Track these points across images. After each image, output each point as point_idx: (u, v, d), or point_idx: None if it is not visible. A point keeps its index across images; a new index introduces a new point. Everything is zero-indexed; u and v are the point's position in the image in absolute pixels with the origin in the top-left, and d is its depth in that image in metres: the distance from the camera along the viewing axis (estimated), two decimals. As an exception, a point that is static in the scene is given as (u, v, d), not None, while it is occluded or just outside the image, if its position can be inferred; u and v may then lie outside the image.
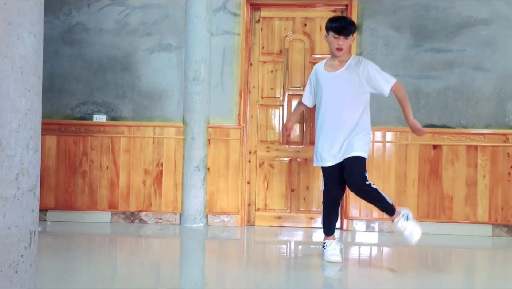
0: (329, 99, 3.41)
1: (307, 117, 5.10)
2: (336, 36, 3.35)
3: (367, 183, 3.27)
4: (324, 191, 3.53)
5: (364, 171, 3.31)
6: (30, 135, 1.72)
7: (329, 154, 3.38)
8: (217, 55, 5.06)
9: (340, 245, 3.62)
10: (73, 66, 5.15)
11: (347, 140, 3.34)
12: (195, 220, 4.95)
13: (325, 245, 3.56)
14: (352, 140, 3.32)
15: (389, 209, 3.36)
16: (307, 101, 3.65)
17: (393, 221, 3.37)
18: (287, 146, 5.14)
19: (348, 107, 3.37)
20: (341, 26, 3.35)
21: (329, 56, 3.54)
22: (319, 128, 3.47)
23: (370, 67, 3.36)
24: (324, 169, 3.47)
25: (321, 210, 3.72)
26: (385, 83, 3.35)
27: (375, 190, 3.29)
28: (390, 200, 3.36)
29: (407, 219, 3.34)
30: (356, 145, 3.31)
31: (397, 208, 3.37)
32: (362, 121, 3.39)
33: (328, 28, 3.42)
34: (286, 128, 3.76)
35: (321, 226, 3.70)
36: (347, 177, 3.31)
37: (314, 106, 3.63)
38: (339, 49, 3.36)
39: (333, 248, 3.51)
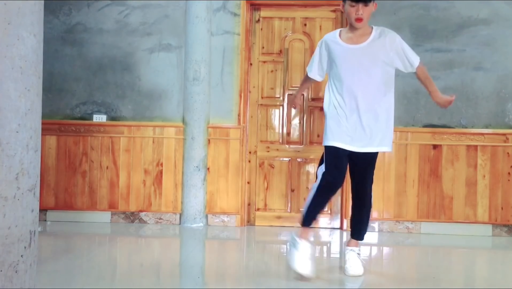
0: (352, 77, 2.95)
1: (307, 116, 5.09)
2: (354, 4, 2.87)
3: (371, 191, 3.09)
4: (325, 175, 2.98)
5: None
6: (30, 135, 1.71)
7: (349, 137, 2.95)
8: (217, 55, 5.06)
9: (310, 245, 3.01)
10: (73, 66, 5.15)
11: (374, 127, 2.96)
12: (195, 220, 4.95)
13: (295, 244, 2.96)
14: (382, 130, 2.98)
15: (363, 233, 3.17)
16: (317, 76, 3.17)
17: (353, 246, 3.15)
18: (287, 145, 5.14)
19: (376, 87, 2.95)
20: None
21: (345, 28, 3.10)
22: (338, 106, 2.99)
23: (399, 39, 2.99)
24: (335, 150, 2.98)
25: (310, 196, 3.06)
26: (415, 56, 3.02)
27: (370, 206, 3.14)
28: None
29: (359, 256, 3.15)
30: (385, 137, 2.99)
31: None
32: (391, 105, 3.04)
33: None
34: (294, 103, 3.38)
35: (304, 214, 3.04)
36: (358, 175, 3.03)
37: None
38: (359, 19, 2.88)
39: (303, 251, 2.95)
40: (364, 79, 2.94)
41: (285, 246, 4.51)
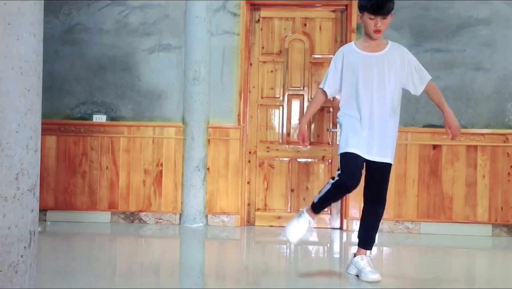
0: (370, 83, 2.95)
1: (307, 117, 5.08)
2: (373, 17, 2.92)
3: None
4: (341, 175, 2.94)
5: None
6: (30, 135, 1.71)
7: (366, 144, 2.94)
8: (217, 55, 5.06)
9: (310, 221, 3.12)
10: (73, 66, 5.15)
11: (386, 138, 2.98)
12: (195, 220, 4.95)
13: (300, 215, 3.10)
14: (391, 142, 3.02)
15: (372, 241, 3.11)
16: (331, 90, 3.09)
17: (362, 254, 3.08)
18: (287, 145, 5.14)
19: (390, 96, 2.97)
20: (377, 4, 2.90)
21: (362, 38, 3.12)
22: (353, 116, 2.98)
23: (412, 57, 3.06)
24: (352, 156, 2.93)
25: (323, 191, 3.05)
26: (426, 73, 3.06)
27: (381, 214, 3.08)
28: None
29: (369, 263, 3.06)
30: (393, 150, 3.03)
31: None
32: (398, 117, 3.05)
33: (362, 8, 2.98)
34: (303, 137, 3.14)
35: (316, 203, 3.07)
36: (375, 186, 3.01)
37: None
38: (378, 31, 2.94)
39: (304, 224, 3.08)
40: (381, 86, 2.96)
41: (284, 246, 4.51)
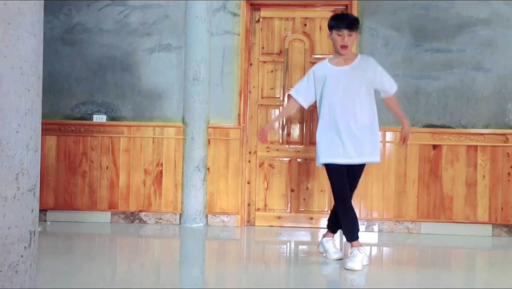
0: (340, 95, 3.32)
1: (307, 117, 5.09)
2: (340, 33, 3.34)
3: None
4: (338, 196, 3.34)
5: None
6: (30, 135, 1.71)
7: (342, 151, 3.30)
8: (217, 55, 5.06)
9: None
10: (73, 66, 5.15)
11: (364, 140, 3.31)
12: (195, 220, 4.95)
13: (359, 251, 3.32)
14: (372, 142, 3.34)
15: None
16: (304, 101, 3.51)
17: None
18: (287, 145, 5.14)
19: (363, 101, 3.34)
20: (344, 23, 3.34)
21: (332, 55, 3.53)
22: (327, 125, 3.36)
23: (380, 67, 3.43)
24: (334, 168, 3.34)
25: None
26: (393, 83, 3.47)
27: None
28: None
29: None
30: (376, 148, 3.38)
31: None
32: (375, 120, 3.39)
33: (331, 27, 3.40)
34: (262, 132, 3.62)
35: (347, 234, 3.42)
36: (353, 183, 3.41)
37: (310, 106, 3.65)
38: (344, 46, 3.34)
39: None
40: (353, 96, 3.32)
41: (284, 246, 4.51)
